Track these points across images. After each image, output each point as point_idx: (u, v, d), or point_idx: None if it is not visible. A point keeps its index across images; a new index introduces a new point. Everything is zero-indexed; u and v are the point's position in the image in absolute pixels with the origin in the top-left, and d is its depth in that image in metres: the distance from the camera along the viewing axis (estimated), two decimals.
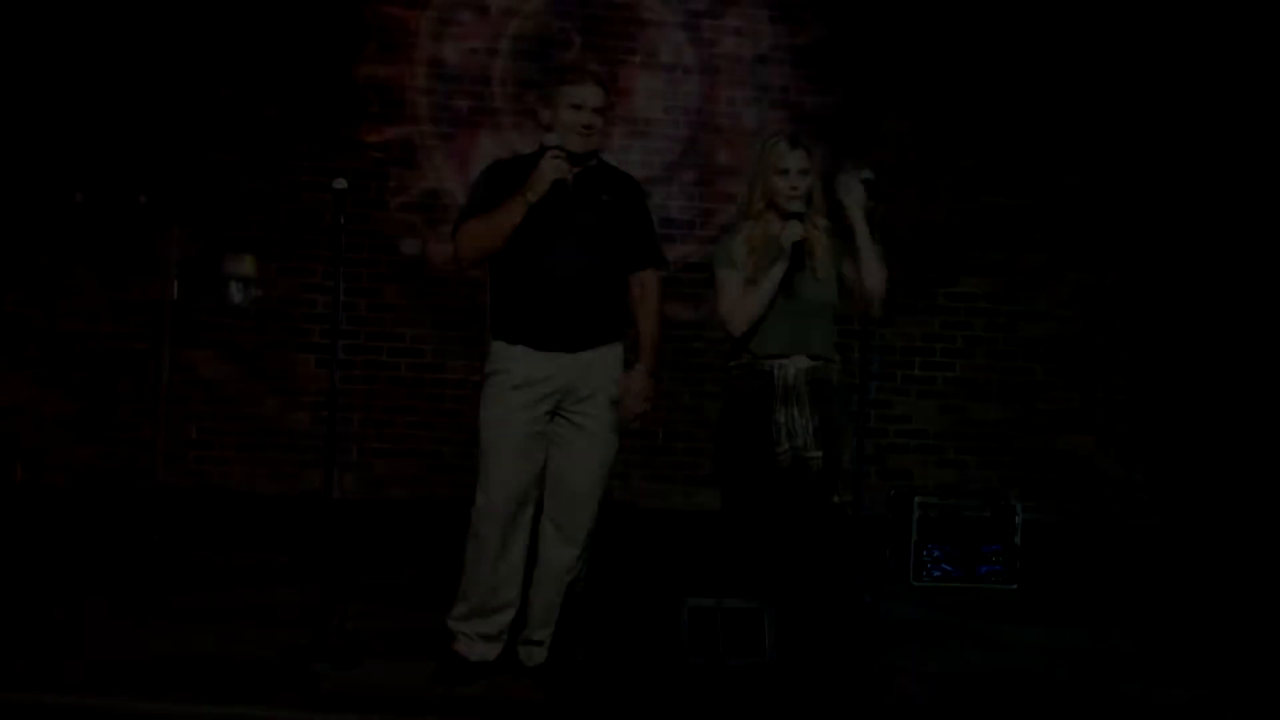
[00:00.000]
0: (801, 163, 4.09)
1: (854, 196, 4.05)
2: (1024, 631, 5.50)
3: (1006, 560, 6.62)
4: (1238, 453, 7.07)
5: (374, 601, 5.25)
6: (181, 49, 6.65)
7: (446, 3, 6.86)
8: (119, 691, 3.85)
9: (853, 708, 3.38)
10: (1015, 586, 6.59)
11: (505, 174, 4.15)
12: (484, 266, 4.22)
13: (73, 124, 6.56)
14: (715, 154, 7.05)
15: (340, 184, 4.48)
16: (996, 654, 5.06)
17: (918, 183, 7.18)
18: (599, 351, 4.13)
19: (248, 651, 4.44)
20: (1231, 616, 6.08)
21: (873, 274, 4.07)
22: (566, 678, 4.06)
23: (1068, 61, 7.23)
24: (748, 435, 4.03)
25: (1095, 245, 7.29)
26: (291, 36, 6.72)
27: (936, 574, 6.58)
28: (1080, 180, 7.27)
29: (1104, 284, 7.30)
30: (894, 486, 7.02)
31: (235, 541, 6.52)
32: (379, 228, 6.74)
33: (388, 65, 6.81)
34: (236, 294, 6.69)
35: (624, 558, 6.66)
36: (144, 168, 6.57)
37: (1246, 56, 7.08)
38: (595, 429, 4.13)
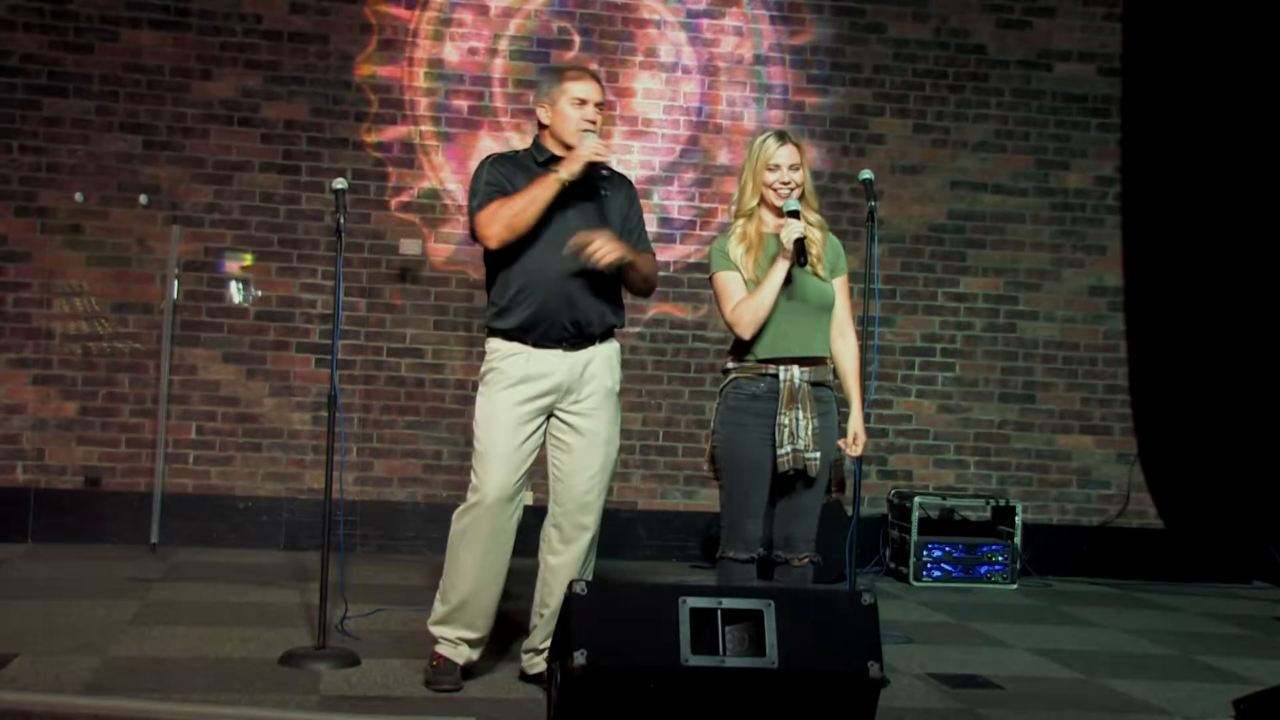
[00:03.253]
0: (792, 158, 4.06)
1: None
2: (1024, 631, 5.51)
3: (1006, 560, 6.63)
4: (1237, 452, 7.06)
5: (374, 601, 5.25)
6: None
7: (446, 2, 6.87)
8: (119, 691, 3.85)
9: (853, 707, 3.37)
10: (1015, 586, 6.59)
11: (509, 164, 4.12)
12: (481, 265, 4.18)
13: None
14: (715, 154, 7.04)
15: (340, 184, 4.48)
16: (996, 654, 5.06)
17: (918, 183, 7.19)
18: (598, 348, 4.11)
19: (248, 651, 4.44)
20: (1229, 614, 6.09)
21: None
22: (565, 678, 4.05)
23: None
24: (751, 437, 4.02)
25: (1095, 245, 7.30)
26: (292, 36, 6.71)
27: (936, 574, 6.58)
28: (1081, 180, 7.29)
29: (1104, 284, 7.31)
30: (894, 486, 7.03)
31: (235, 541, 6.53)
32: (379, 228, 6.73)
33: (388, 65, 6.81)
34: (236, 294, 6.69)
35: (624, 557, 6.69)
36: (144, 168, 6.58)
37: (1242, 58, 7.08)
38: (596, 430, 4.10)
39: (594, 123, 4.06)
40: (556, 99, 4.07)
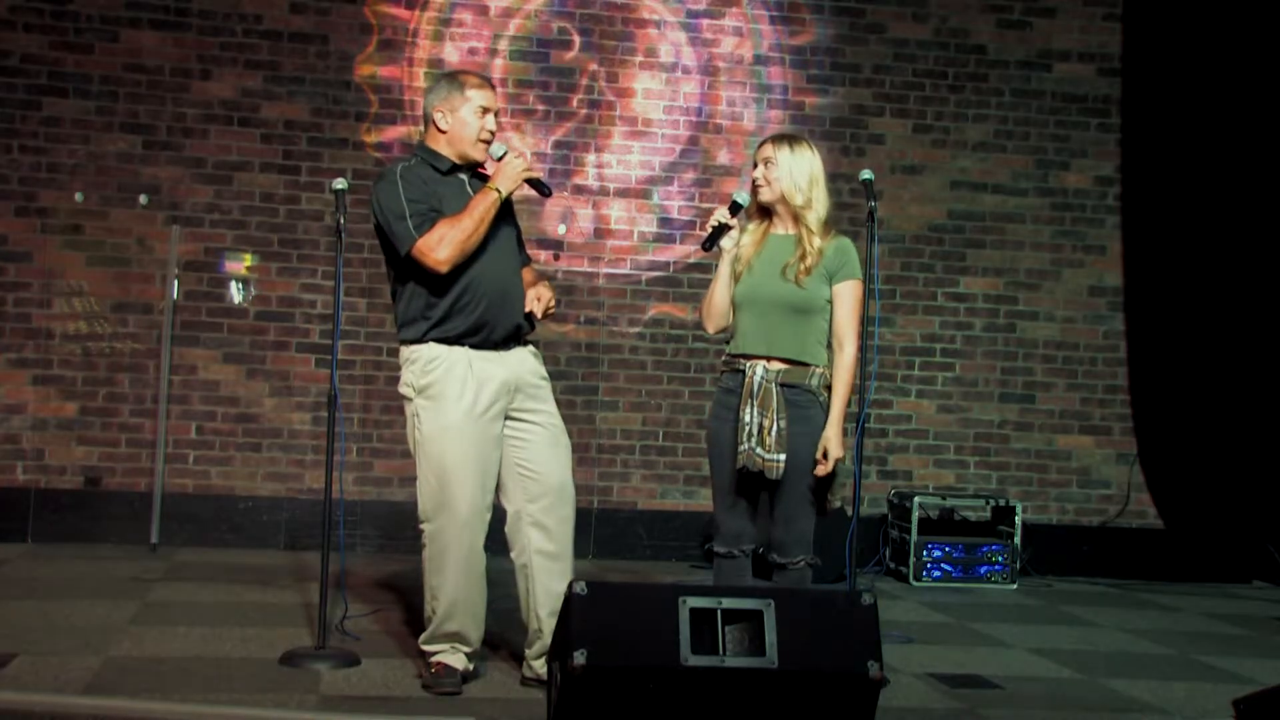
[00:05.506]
0: (765, 153, 4.09)
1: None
2: (1024, 631, 5.51)
3: (1006, 560, 6.63)
4: (1237, 452, 7.06)
5: (373, 601, 5.25)
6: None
7: (446, 2, 6.87)
8: (119, 691, 3.85)
9: (853, 708, 3.37)
10: (1015, 586, 6.59)
11: (417, 178, 4.03)
12: (389, 273, 4.12)
13: None
14: (715, 154, 7.04)
15: (340, 184, 4.48)
16: (996, 654, 5.06)
17: (918, 183, 7.19)
18: (526, 346, 4.16)
19: (248, 651, 4.44)
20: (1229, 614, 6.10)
21: None
22: (565, 678, 4.04)
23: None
24: (724, 431, 4.06)
25: (1095, 245, 7.30)
26: (292, 36, 6.71)
27: (936, 574, 6.58)
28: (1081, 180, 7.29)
29: (1104, 284, 7.31)
30: (894, 486, 7.03)
31: (235, 541, 6.53)
32: None
33: (388, 65, 6.81)
34: (236, 294, 6.69)
35: (624, 557, 6.69)
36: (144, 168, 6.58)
37: (1242, 58, 7.08)
38: (553, 420, 4.15)
39: (493, 133, 4.08)
40: (458, 106, 4.05)
